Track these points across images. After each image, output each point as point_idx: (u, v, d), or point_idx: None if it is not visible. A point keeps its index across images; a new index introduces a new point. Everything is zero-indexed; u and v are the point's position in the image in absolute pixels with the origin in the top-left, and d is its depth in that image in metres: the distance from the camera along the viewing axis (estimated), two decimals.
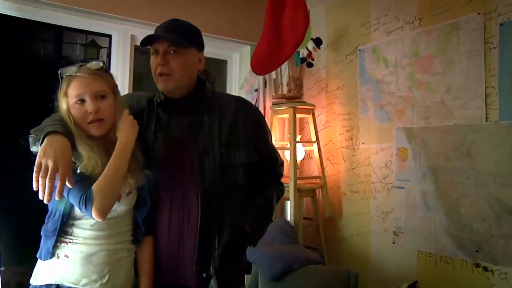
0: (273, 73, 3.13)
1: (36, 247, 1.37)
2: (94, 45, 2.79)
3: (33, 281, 1.34)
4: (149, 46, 1.48)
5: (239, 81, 3.34)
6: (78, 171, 1.24)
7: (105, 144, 1.36)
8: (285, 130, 3.20)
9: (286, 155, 2.92)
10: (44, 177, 1.15)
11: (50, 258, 1.31)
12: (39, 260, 1.36)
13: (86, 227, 1.32)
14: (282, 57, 2.69)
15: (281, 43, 2.65)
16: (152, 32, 1.50)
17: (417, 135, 2.49)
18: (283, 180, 1.73)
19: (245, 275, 1.63)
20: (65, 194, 1.23)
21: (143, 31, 2.68)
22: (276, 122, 3.07)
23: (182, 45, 1.43)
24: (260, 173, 1.58)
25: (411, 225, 2.50)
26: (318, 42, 2.91)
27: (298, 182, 2.82)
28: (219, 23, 2.99)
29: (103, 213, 1.24)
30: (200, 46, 1.53)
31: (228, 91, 3.33)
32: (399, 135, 2.59)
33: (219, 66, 3.39)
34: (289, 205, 2.86)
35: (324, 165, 2.99)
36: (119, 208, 1.35)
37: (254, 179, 1.54)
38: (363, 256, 2.80)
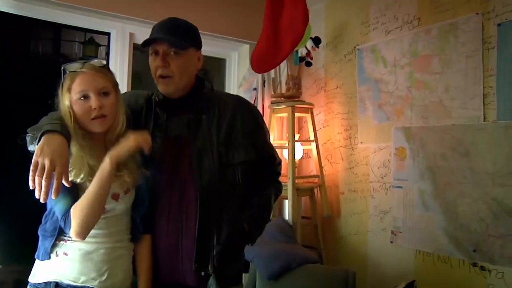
0: (272, 72, 3.13)
1: (34, 245, 1.37)
2: (93, 43, 2.78)
3: (32, 279, 1.34)
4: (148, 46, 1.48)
5: (238, 80, 3.34)
6: (70, 178, 1.23)
7: (104, 142, 1.36)
8: (284, 129, 3.21)
9: (284, 154, 2.92)
10: (41, 176, 1.15)
11: (48, 258, 1.31)
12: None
13: None
14: (281, 55, 2.69)
15: (280, 41, 2.65)
16: (150, 30, 1.49)
17: (416, 134, 2.49)
18: (281, 179, 1.73)
19: (243, 274, 1.63)
20: (59, 214, 1.23)
21: (141, 29, 2.69)
22: (275, 121, 3.07)
23: (182, 47, 1.43)
24: (258, 172, 1.58)
25: (409, 225, 2.51)
26: (317, 41, 2.91)
27: (296, 181, 2.82)
28: (218, 22, 2.99)
29: (82, 234, 1.23)
30: (198, 45, 1.53)
31: (226, 90, 3.33)
32: (397, 134, 2.59)
33: (217, 65, 3.39)
34: (287, 204, 2.86)
35: (323, 164, 3.00)
36: (118, 206, 1.35)
37: (252, 177, 1.55)
38: (361, 255, 2.80)
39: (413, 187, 2.49)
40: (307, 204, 3.05)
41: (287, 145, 2.89)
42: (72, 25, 2.64)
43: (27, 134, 1.27)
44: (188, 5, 2.77)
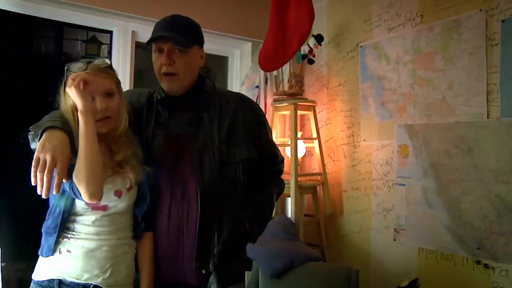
0: None
1: (37, 243, 1.37)
2: (95, 42, 2.79)
3: (35, 276, 1.35)
4: (152, 44, 1.47)
5: (240, 78, 3.33)
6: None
7: (106, 140, 1.37)
8: (286, 127, 3.20)
9: (287, 152, 2.92)
10: (42, 172, 1.15)
11: (52, 255, 1.31)
12: (40, 256, 1.36)
13: (87, 223, 1.32)
14: (288, 54, 2.69)
15: (287, 40, 2.65)
16: (151, 28, 1.49)
17: (419, 132, 2.49)
18: (283, 176, 1.73)
19: (246, 272, 1.63)
20: (67, 188, 1.23)
21: (143, 27, 2.70)
22: (277, 118, 3.07)
23: (187, 45, 1.43)
24: (260, 170, 1.58)
25: (412, 222, 2.50)
26: (319, 38, 2.91)
27: (299, 179, 2.82)
28: (220, 20, 2.98)
29: (95, 194, 1.21)
30: (201, 43, 1.53)
31: (229, 88, 3.33)
32: (400, 132, 2.58)
33: (220, 63, 3.39)
34: (290, 202, 2.86)
35: (325, 162, 2.99)
36: (120, 204, 1.35)
37: (254, 176, 1.54)
38: (364, 253, 2.80)
39: (416, 185, 2.48)
40: (309, 202, 3.05)
41: (289, 142, 2.89)
42: (75, 23, 2.64)
43: (29, 132, 1.28)
44: (190, 3, 2.77)
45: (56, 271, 1.31)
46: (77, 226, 1.32)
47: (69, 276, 1.30)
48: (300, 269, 2.35)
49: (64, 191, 1.25)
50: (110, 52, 2.76)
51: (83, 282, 1.30)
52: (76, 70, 1.31)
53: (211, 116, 1.49)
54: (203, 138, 1.46)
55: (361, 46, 2.88)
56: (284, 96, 3.01)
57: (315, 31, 2.92)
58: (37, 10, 2.46)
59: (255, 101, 3.00)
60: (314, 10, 2.60)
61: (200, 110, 1.49)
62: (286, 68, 3.10)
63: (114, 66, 1.41)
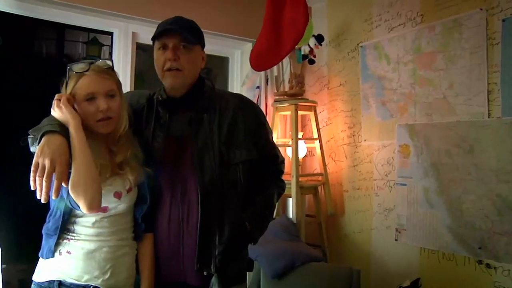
0: (275, 70, 3.12)
1: (38, 244, 1.37)
2: (96, 43, 2.79)
3: (36, 277, 1.35)
4: (156, 41, 1.47)
5: (241, 78, 3.33)
6: None
7: (106, 141, 1.37)
8: (287, 127, 3.20)
9: (288, 152, 2.92)
10: (41, 176, 1.15)
11: (52, 257, 1.32)
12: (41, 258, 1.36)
13: (88, 225, 1.33)
14: (281, 53, 2.68)
15: (280, 39, 2.64)
16: (153, 29, 1.49)
17: (419, 131, 2.48)
18: (284, 177, 1.72)
19: (248, 273, 1.63)
20: (64, 194, 1.23)
21: (144, 28, 2.70)
22: (278, 119, 3.07)
23: (192, 42, 1.45)
24: (261, 171, 1.58)
25: (413, 222, 2.50)
26: (319, 39, 2.90)
27: (300, 179, 2.82)
28: (221, 20, 2.99)
29: (94, 207, 1.22)
30: (203, 44, 1.55)
31: (229, 89, 3.33)
32: (401, 132, 2.58)
33: (220, 63, 3.39)
34: (291, 202, 2.85)
35: (326, 162, 2.99)
36: (120, 205, 1.36)
37: (254, 176, 1.54)
38: (365, 253, 2.79)
39: (417, 185, 2.48)
40: (311, 202, 3.05)
41: (290, 143, 2.89)
42: (76, 25, 2.64)
43: (29, 136, 1.28)
44: (191, 4, 2.77)
45: (56, 272, 1.31)
46: (77, 228, 1.33)
47: (69, 277, 1.30)
48: (301, 269, 2.35)
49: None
50: (110, 54, 2.77)
51: (83, 283, 1.30)
52: (78, 70, 1.31)
53: (211, 117, 1.49)
54: (203, 138, 1.46)
55: (361, 46, 2.88)
56: (285, 97, 3.01)
57: (315, 31, 2.92)
58: (38, 12, 2.47)
59: (255, 101, 3.00)
60: (315, 10, 2.60)
61: (200, 110, 1.50)
62: (287, 68, 3.10)
63: (114, 67, 1.41)
